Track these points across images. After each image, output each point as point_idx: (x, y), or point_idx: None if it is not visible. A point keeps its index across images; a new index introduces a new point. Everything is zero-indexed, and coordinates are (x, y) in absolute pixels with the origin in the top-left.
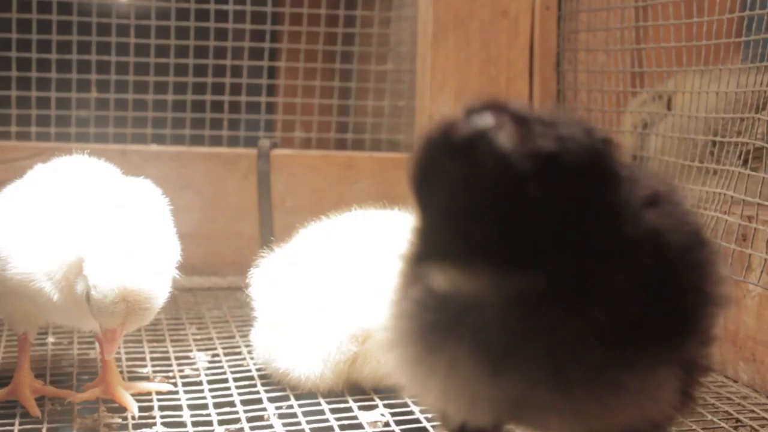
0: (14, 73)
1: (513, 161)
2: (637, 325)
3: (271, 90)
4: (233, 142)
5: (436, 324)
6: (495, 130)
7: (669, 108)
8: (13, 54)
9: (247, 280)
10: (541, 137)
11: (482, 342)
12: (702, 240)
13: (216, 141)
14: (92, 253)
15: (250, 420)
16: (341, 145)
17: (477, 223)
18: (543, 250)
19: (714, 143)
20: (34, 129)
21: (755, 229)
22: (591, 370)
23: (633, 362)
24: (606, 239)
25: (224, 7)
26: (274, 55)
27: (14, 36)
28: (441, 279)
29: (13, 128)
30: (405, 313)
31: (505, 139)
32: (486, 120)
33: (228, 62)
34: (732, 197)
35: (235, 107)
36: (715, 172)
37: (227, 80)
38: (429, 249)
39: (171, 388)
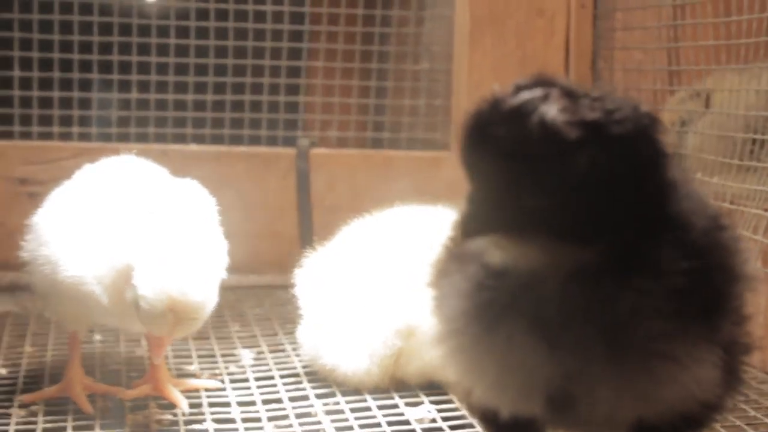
0: (56, 75)
1: (560, 128)
2: (681, 300)
3: (308, 90)
4: (271, 141)
5: (493, 302)
6: (543, 100)
7: (707, 106)
8: (56, 55)
9: (287, 278)
10: (587, 108)
11: (540, 317)
12: (723, 224)
13: (254, 140)
14: (141, 261)
15: (298, 416)
16: (378, 144)
17: (527, 193)
18: (596, 222)
19: (753, 140)
20: (76, 129)
21: None
22: (643, 341)
23: (678, 336)
24: (653, 214)
25: (262, 8)
26: (309, 55)
27: (56, 38)
28: (496, 252)
29: (56, 129)
30: (458, 294)
31: (553, 107)
32: (535, 91)
33: (267, 63)
34: None
35: (273, 107)
36: (755, 169)
37: (265, 80)
38: (481, 221)
39: (219, 385)
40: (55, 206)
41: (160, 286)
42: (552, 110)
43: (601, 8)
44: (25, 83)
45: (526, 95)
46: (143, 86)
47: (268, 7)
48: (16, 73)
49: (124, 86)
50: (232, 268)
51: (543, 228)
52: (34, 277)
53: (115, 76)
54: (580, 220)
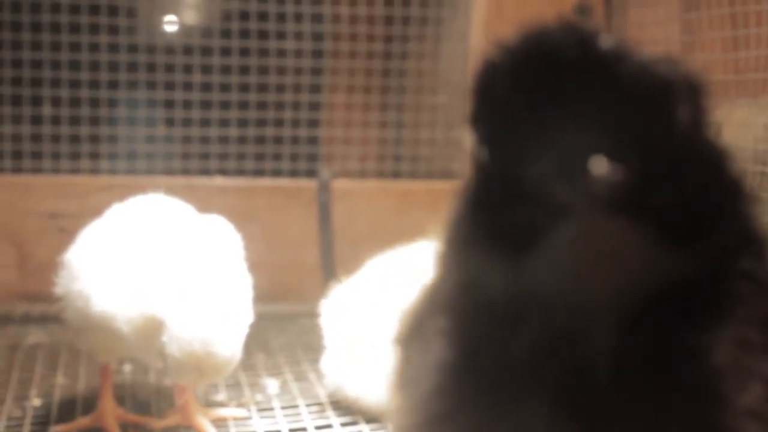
0: (85, 112)
1: (653, 66)
2: None
3: (329, 124)
4: (293, 174)
5: (498, 376)
6: (602, 34)
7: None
8: (84, 94)
9: (310, 307)
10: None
11: (574, 393)
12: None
13: (276, 174)
14: (169, 317)
15: None
16: (397, 175)
17: (610, 159)
18: (693, 214)
19: (762, 173)
20: (104, 164)
21: None
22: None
23: None
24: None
25: (284, 45)
26: (330, 90)
27: (85, 77)
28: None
29: (85, 163)
30: (437, 365)
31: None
32: (585, 27)
33: (288, 98)
34: None
35: (295, 141)
36: (764, 201)
37: (287, 115)
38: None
39: (246, 414)
40: (88, 244)
41: (187, 346)
42: (622, 44)
43: None
44: (55, 120)
45: (576, 28)
46: (169, 122)
47: (290, 45)
48: (47, 111)
49: (151, 122)
50: (256, 298)
51: (621, 219)
52: (68, 311)
53: (142, 113)
54: (674, 208)
